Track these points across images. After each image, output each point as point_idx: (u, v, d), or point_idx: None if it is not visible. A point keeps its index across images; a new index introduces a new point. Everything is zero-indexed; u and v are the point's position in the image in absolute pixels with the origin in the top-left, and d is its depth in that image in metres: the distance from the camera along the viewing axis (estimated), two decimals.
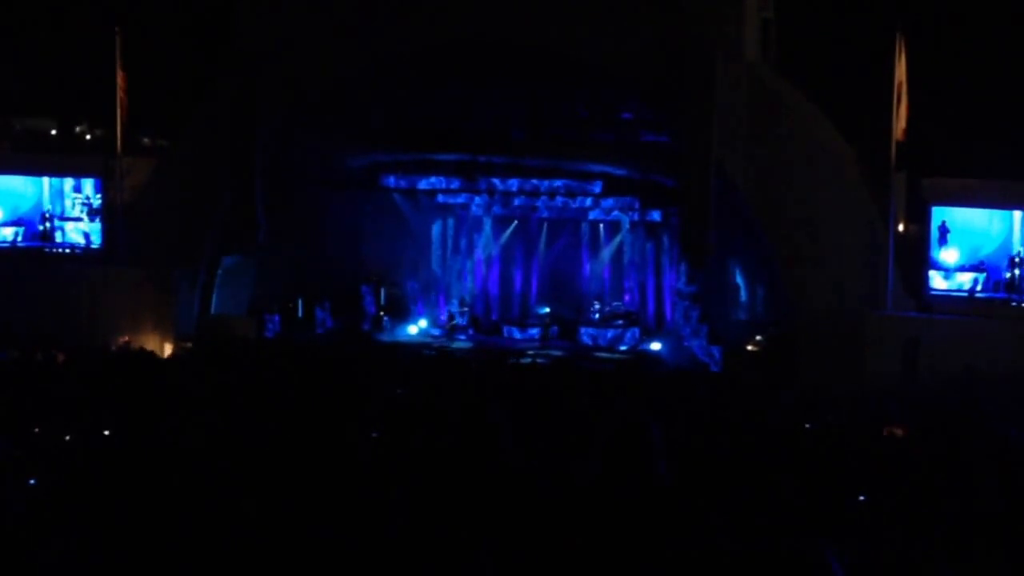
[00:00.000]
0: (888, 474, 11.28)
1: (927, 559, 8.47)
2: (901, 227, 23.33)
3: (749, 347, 24.58)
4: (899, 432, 15.27)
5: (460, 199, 31.08)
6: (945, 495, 10.20)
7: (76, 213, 26.97)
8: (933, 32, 22.76)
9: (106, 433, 11.49)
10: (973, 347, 21.21)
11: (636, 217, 30.38)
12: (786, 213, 22.95)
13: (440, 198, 31.09)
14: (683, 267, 29.27)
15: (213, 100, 25.34)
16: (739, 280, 27.19)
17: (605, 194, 29.28)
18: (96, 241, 26.73)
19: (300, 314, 29.29)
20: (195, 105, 26.18)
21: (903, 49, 21.75)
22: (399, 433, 12.45)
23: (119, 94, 24.92)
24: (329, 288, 30.00)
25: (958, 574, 8.43)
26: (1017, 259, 22.52)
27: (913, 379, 21.24)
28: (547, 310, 30.93)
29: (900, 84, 21.79)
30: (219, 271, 26.43)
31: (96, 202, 26.64)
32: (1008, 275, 22.58)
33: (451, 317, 30.88)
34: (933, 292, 22.79)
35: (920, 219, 23.26)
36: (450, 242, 32.35)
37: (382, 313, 30.91)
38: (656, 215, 29.82)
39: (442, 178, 29.83)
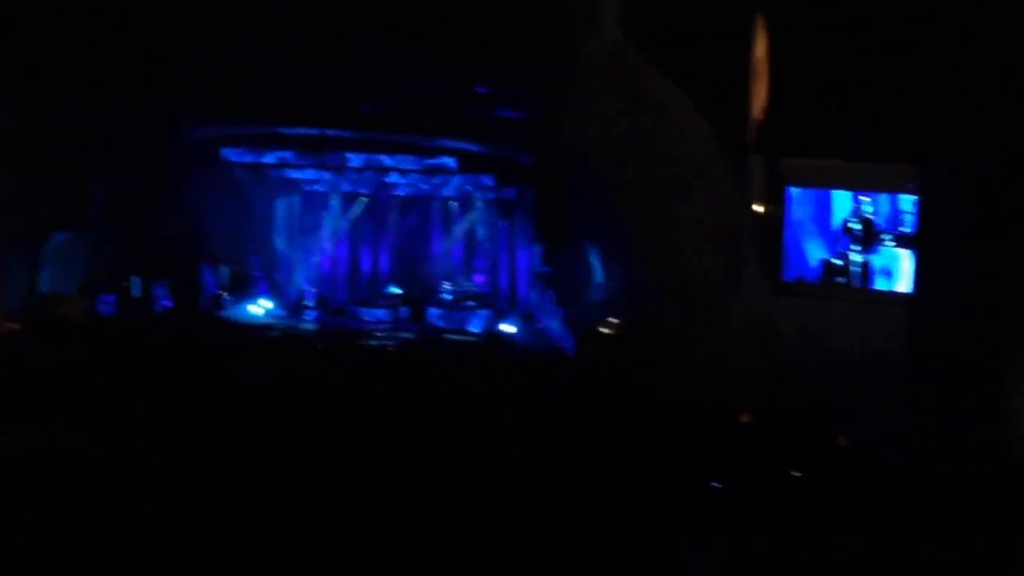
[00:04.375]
0: (739, 463, 11.20)
1: (779, 550, 8.32)
2: (760, 208, 23.07)
3: (605, 330, 24.17)
4: (749, 419, 15.27)
5: (307, 174, 30.23)
6: (792, 485, 10.18)
7: None
8: (792, 10, 22.43)
9: None
10: (830, 331, 21.05)
11: (491, 195, 29.92)
12: (643, 193, 22.51)
13: (286, 173, 30.17)
14: (538, 247, 28.83)
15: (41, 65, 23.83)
16: (596, 262, 26.74)
17: (459, 171, 28.53)
18: None
19: (137, 293, 28.11)
20: (25, 68, 24.65)
21: (762, 27, 21.46)
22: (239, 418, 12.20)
23: None
24: (168, 266, 28.76)
25: (815, 566, 8.16)
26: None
27: (769, 364, 21.05)
28: (397, 290, 30.34)
29: (759, 62, 21.51)
30: (49, 247, 25.27)
31: None
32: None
33: (301, 296, 30.02)
34: (791, 275, 22.56)
35: (777, 200, 23.02)
36: (296, 220, 31.57)
37: (223, 292, 29.79)
38: (511, 193, 29.37)
39: (288, 152, 28.72)
